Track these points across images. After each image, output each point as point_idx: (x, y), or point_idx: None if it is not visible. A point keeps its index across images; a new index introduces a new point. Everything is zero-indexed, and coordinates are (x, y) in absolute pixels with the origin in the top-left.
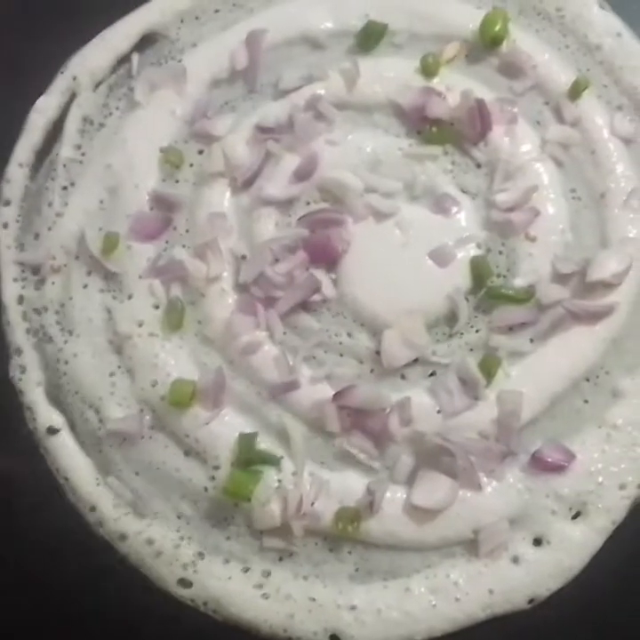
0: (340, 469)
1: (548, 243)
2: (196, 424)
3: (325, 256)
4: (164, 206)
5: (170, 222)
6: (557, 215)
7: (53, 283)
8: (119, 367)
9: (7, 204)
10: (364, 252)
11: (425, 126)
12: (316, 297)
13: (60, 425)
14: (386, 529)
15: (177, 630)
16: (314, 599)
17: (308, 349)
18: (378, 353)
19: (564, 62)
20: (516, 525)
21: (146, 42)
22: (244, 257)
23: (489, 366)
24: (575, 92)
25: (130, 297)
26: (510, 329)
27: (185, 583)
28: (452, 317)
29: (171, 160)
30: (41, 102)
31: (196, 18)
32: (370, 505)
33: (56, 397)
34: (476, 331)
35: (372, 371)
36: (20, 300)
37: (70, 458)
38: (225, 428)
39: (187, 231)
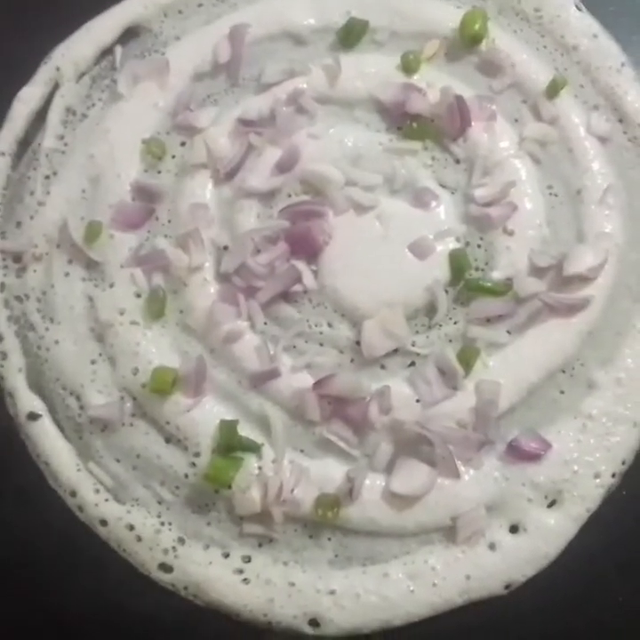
0: (319, 457)
1: (525, 237)
2: (177, 411)
3: (306, 247)
4: (146, 196)
5: (152, 212)
6: (535, 210)
7: (35, 271)
8: (100, 355)
9: None
10: (344, 244)
11: (405, 122)
12: (297, 287)
13: (41, 411)
14: (365, 515)
15: (159, 615)
16: (293, 584)
17: (288, 339)
18: (358, 343)
19: (541, 62)
20: (492, 513)
21: (129, 34)
22: (225, 247)
23: (467, 357)
24: (552, 91)
25: (111, 285)
26: (488, 321)
27: (166, 568)
28: (431, 309)
29: (153, 151)
30: (24, 92)
31: (180, 11)
32: (349, 492)
33: (37, 384)
34: (455, 322)
35: (352, 360)
36: (2, 287)
37: (51, 444)
38: (206, 415)
39: (169, 221)
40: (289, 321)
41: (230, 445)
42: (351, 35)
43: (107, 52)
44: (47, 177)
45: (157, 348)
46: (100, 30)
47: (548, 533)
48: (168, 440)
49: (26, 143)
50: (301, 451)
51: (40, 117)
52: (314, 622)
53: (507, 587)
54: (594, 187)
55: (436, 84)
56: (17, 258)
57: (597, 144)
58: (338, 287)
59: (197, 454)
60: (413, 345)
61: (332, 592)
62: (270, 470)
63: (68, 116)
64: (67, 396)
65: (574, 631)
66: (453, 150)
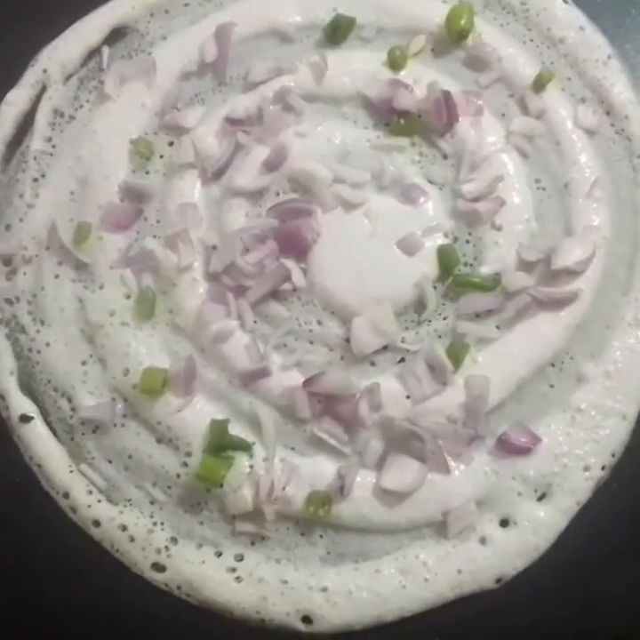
0: (310, 454)
1: (513, 231)
2: (168, 411)
3: (295, 246)
4: (135, 197)
5: (140, 213)
6: (523, 205)
7: (25, 273)
8: (91, 356)
9: None
10: (333, 241)
11: (393, 118)
12: (287, 286)
13: (33, 413)
14: (356, 512)
15: (153, 614)
16: (286, 582)
17: (278, 337)
18: (348, 340)
19: (528, 55)
20: (483, 507)
21: (116, 35)
22: (214, 247)
23: (457, 352)
24: (539, 84)
25: (101, 287)
26: (477, 316)
27: (159, 568)
28: (420, 305)
29: (141, 151)
30: (11, 95)
31: (166, 11)
32: (340, 489)
33: (29, 386)
34: (444, 318)
35: (342, 358)
36: None
37: (43, 445)
38: (197, 415)
39: (157, 222)
40: (278, 319)
41: (221, 445)
42: (338, 32)
43: (94, 52)
44: (36, 179)
45: (147, 349)
46: (86, 31)
47: (539, 527)
48: (159, 440)
49: (14, 146)
50: (292, 449)
51: (28, 120)
52: (307, 619)
53: (498, 580)
54: (581, 180)
55: (422, 79)
56: (7, 260)
57: (585, 137)
58: (327, 285)
59: (189, 454)
60: (403, 341)
61: (325, 589)
62: (261, 469)
63: (56, 117)
64: (58, 397)
65: (565, 623)
66: (441, 146)
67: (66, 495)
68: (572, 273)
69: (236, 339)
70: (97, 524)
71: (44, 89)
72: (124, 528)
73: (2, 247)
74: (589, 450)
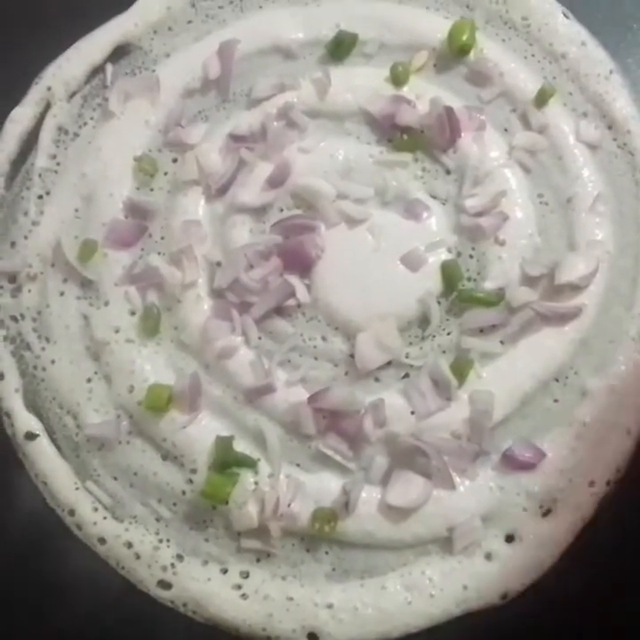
0: (315, 471)
1: (516, 246)
2: (173, 428)
3: (299, 262)
4: (139, 214)
5: (145, 230)
6: (526, 219)
7: (30, 290)
8: (96, 373)
9: None
10: (336, 257)
11: (395, 134)
12: (291, 302)
13: (39, 431)
14: (361, 528)
15: (159, 632)
16: (291, 598)
17: (283, 353)
18: (352, 356)
19: (530, 70)
20: (488, 523)
21: (120, 52)
22: (218, 263)
23: (461, 368)
24: (541, 99)
25: (106, 304)
26: (481, 331)
27: (165, 585)
28: (424, 320)
29: (145, 168)
30: (16, 112)
31: (169, 29)
32: (345, 505)
33: (34, 403)
34: (448, 333)
35: (346, 373)
36: None
37: (48, 463)
38: (202, 431)
39: (162, 238)
40: (283, 335)
41: (226, 461)
42: (340, 48)
43: (97, 70)
44: (40, 197)
45: (153, 366)
46: (90, 49)
47: (544, 542)
48: (165, 457)
49: (19, 163)
50: (297, 465)
51: (32, 137)
52: (312, 636)
53: (503, 596)
54: (584, 194)
55: (425, 95)
56: (12, 278)
57: (587, 151)
58: (331, 300)
59: (194, 471)
60: (407, 357)
61: (330, 606)
62: (267, 485)
63: (60, 135)
64: (63, 415)
65: (571, 639)
66: (444, 161)
67: (71, 512)
68: (575, 288)
69: (240, 355)
70: (103, 541)
71: (48, 106)
72: (129, 545)
73: (7, 265)
74: (594, 465)
